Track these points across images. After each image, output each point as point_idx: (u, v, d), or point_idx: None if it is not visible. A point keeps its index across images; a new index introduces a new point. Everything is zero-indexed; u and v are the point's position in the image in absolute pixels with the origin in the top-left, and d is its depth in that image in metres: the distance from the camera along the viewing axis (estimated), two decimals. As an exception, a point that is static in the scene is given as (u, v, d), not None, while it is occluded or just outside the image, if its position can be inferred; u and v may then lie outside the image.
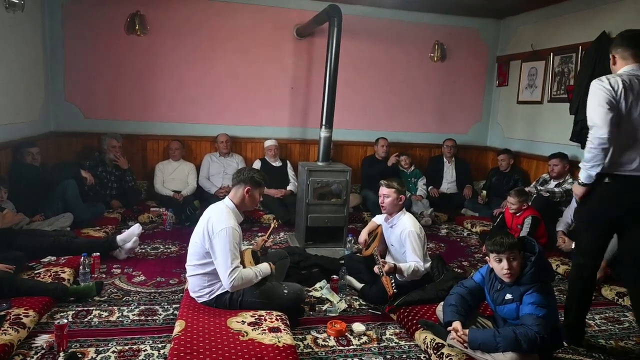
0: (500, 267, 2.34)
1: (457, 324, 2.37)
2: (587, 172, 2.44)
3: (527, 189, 4.74)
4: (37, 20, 4.78)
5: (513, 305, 2.33)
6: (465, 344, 2.33)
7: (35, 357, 2.36)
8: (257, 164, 5.45)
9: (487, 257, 2.44)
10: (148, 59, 5.35)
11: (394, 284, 2.87)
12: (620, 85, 2.33)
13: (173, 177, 5.33)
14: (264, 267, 2.80)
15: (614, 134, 2.31)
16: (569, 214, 4.30)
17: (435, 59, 6.11)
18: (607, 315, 3.26)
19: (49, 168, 4.59)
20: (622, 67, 2.42)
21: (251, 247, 3.08)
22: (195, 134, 5.62)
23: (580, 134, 4.75)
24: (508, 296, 2.34)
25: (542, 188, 4.77)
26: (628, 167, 2.40)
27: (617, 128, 2.32)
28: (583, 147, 4.71)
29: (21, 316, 2.57)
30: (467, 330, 2.33)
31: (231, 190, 2.83)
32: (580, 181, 2.52)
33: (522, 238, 2.47)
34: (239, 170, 2.86)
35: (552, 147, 5.09)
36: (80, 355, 2.38)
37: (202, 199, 5.10)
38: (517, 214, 4.18)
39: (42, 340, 2.49)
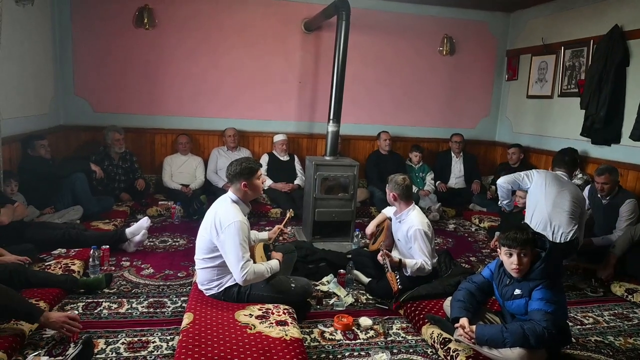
0: (509, 261, 2.33)
1: (464, 321, 2.37)
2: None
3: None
4: (47, 14, 4.81)
5: (522, 301, 2.32)
6: (472, 341, 2.33)
7: (46, 347, 2.40)
8: (264, 158, 5.47)
9: (498, 250, 2.44)
10: (156, 52, 5.37)
11: (399, 280, 2.87)
12: (543, 176, 3.61)
13: (181, 170, 5.35)
14: (274, 264, 2.80)
15: (509, 190, 3.83)
16: None
17: (444, 52, 6.06)
18: (616, 311, 3.25)
19: (59, 161, 4.63)
20: (555, 172, 3.75)
21: (263, 240, 3.10)
22: (203, 127, 5.64)
23: (590, 129, 4.71)
24: (517, 292, 2.34)
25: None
26: (537, 228, 3.39)
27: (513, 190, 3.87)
28: (593, 142, 4.77)
29: (32, 307, 2.60)
30: (474, 327, 2.33)
31: (231, 186, 2.81)
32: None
33: (533, 233, 2.46)
34: (228, 167, 2.81)
35: (562, 142, 5.05)
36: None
37: (210, 192, 5.12)
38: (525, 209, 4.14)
39: (53, 331, 2.52)
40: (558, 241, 3.38)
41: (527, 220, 3.61)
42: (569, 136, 5.13)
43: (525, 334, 2.19)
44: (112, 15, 5.19)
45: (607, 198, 3.95)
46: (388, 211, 3.53)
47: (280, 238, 3.17)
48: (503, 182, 3.80)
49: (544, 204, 3.47)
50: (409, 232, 3.12)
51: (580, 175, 4.64)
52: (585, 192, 4.20)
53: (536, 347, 2.23)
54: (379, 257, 3.00)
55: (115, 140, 4.93)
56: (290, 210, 3.47)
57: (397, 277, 2.89)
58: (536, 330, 2.18)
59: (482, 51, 6.22)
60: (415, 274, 3.07)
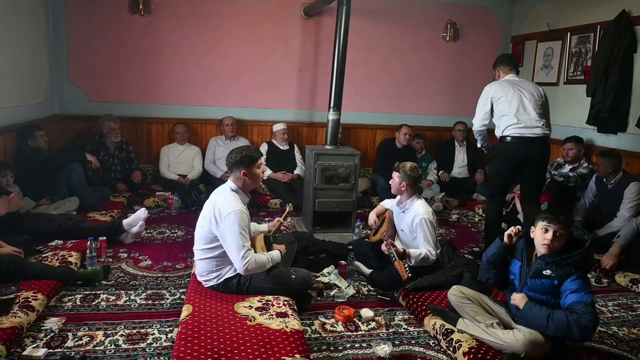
0: (544, 236, 2.36)
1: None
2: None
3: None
4: (40, 1, 4.77)
5: (549, 282, 2.34)
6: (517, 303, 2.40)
7: (45, 339, 2.43)
8: (263, 147, 5.46)
9: (532, 227, 2.48)
10: (152, 40, 5.33)
11: (407, 268, 2.87)
12: (497, 87, 3.68)
13: (178, 160, 5.36)
14: (275, 255, 2.82)
15: (485, 128, 3.81)
16: (586, 199, 4.29)
17: (448, 39, 6.03)
18: (620, 302, 3.27)
19: (55, 152, 4.63)
20: (505, 77, 3.78)
21: (264, 232, 3.11)
22: (201, 116, 5.63)
23: (597, 117, 4.71)
24: (547, 272, 2.35)
25: (555, 172, 4.74)
26: (517, 133, 3.57)
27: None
28: (600, 130, 4.76)
29: (30, 299, 2.63)
30: (525, 300, 2.36)
31: (231, 175, 2.82)
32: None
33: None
34: (228, 155, 2.81)
35: (567, 131, 5.04)
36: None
37: (208, 182, 5.13)
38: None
39: (51, 323, 2.55)
40: (532, 136, 3.55)
41: (498, 131, 3.70)
42: (574, 124, 5.12)
43: (570, 326, 2.20)
44: (106, 0, 5.15)
45: (612, 182, 4.03)
46: (387, 203, 3.54)
47: (282, 228, 3.18)
48: (478, 127, 3.80)
49: (510, 113, 3.58)
50: (415, 220, 3.13)
51: (585, 165, 4.64)
52: (592, 181, 4.25)
53: (579, 340, 2.28)
54: (383, 247, 3.00)
55: (111, 130, 4.92)
56: (289, 204, 3.48)
57: (406, 265, 2.89)
58: (581, 323, 2.19)
59: (486, 37, 6.19)
60: (419, 264, 3.08)
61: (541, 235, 2.38)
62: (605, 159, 4.02)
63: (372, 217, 3.55)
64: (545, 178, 3.98)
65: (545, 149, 3.65)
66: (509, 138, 3.60)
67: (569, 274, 2.31)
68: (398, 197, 3.36)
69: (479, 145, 4.01)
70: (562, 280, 2.31)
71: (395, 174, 3.27)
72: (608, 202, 4.05)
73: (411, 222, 3.17)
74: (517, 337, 2.31)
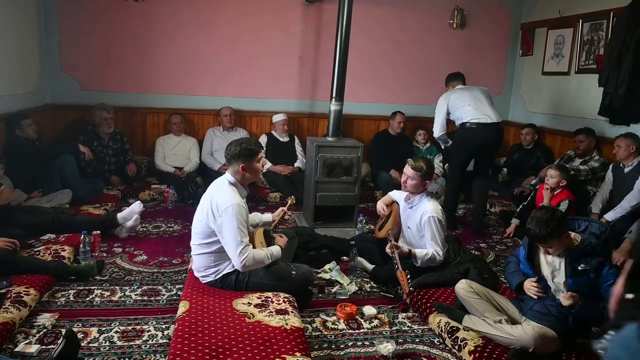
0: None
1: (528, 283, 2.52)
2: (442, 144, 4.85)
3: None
4: (30, -15, 4.75)
5: (587, 277, 2.32)
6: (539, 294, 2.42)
7: (37, 336, 2.44)
8: (263, 139, 5.45)
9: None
10: (147, 26, 5.31)
11: (409, 280, 2.86)
12: (449, 95, 4.48)
13: (174, 152, 5.35)
14: (275, 250, 2.82)
15: (444, 133, 4.55)
16: (602, 194, 4.27)
17: (455, 25, 5.99)
18: (631, 300, 3.27)
19: (46, 142, 4.63)
20: (456, 87, 4.57)
21: (267, 222, 3.11)
22: (198, 106, 5.61)
23: (609, 107, 4.68)
24: (582, 266, 2.34)
25: (566, 166, 4.72)
26: (476, 119, 4.27)
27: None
28: (612, 122, 4.72)
29: (22, 294, 2.64)
30: (575, 295, 2.34)
31: (229, 167, 2.80)
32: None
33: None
34: (227, 147, 2.79)
35: (578, 122, 5.02)
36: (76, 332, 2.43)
37: (205, 175, 5.13)
38: (553, 192, 4.04)
39: (44, 319, 2.56)
40: (490, 122, 4.25)
41: (459, 121, 4.36)
42: (586, 115, 5.10)
43: None
44: (99, -15, 5.13)
45: (630, 165, 4.11)
46: (396, 194, 3.51)
47: (286, 217, 3.16)
48: (439, 133, 4.53)
49: (468, 106, 4.30)
50: (423, 218, 3.10)
51: (597, 158, 4.63)
52: (609, 170, 4.33)
53: None
54: (388, 250, 3.00)
55: (104, 119, 4.90)
56: (292, 196, 3.47)
57: (408, 276, 2.86)
58: None
59: (495, 24, 6.15)
60: (426, 265, 3.08)
61: None
62: (629, 139, 4.16)
63: (380, 205, 3.53)
64: (494, 158, 4.85)
65: (501, 133, 4.40)
66: (469, 124, 4.27)
67: (602, 264, 2.32)
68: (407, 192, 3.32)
69: (442, 147, 4.83)
70: (598, 271, 2.31)
71: (412, 173, 3.12)
72: (623, 186, 4.08)
73: (419, 219, 3.14)
74: (526, 330, 2.30)
